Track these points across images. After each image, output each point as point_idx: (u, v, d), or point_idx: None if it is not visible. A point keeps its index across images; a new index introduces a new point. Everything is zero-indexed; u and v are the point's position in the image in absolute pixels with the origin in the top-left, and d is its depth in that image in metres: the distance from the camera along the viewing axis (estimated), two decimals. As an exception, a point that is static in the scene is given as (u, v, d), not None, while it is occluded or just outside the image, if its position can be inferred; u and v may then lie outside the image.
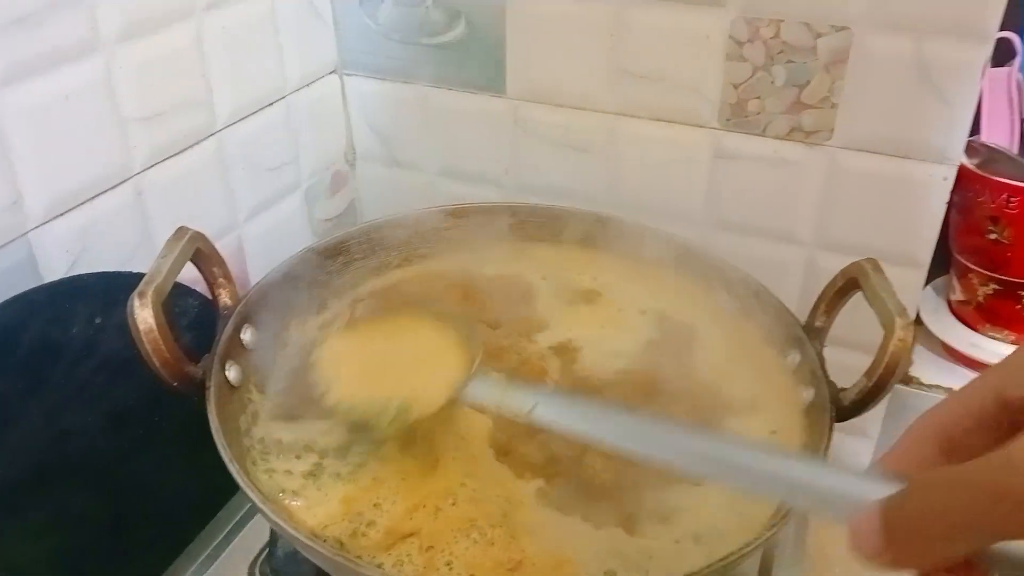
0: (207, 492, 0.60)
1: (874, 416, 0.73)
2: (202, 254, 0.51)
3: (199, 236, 0.50)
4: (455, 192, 0.78)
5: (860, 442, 0.75)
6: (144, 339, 0.44)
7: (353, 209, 0.84)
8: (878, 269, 0.50)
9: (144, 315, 0.44)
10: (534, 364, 0.55)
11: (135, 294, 0.44)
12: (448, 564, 0.42)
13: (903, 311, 0.46)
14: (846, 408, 0.47)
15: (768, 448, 0.39)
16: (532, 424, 0.41)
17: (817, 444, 0.46)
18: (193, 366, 0.47)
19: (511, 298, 0.60)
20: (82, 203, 0.56)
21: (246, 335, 0.52)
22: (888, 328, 0.46)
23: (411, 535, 0.44)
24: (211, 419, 0.44)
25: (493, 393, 0.43)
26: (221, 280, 0.52)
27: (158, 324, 0.44)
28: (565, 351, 0.56)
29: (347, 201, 0.83)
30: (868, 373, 0.46)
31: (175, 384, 0.46)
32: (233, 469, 0.42)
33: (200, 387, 0.47)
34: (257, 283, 0.55)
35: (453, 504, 0.45)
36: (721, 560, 0.39)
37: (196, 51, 0.62)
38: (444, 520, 0.44)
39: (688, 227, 0.70)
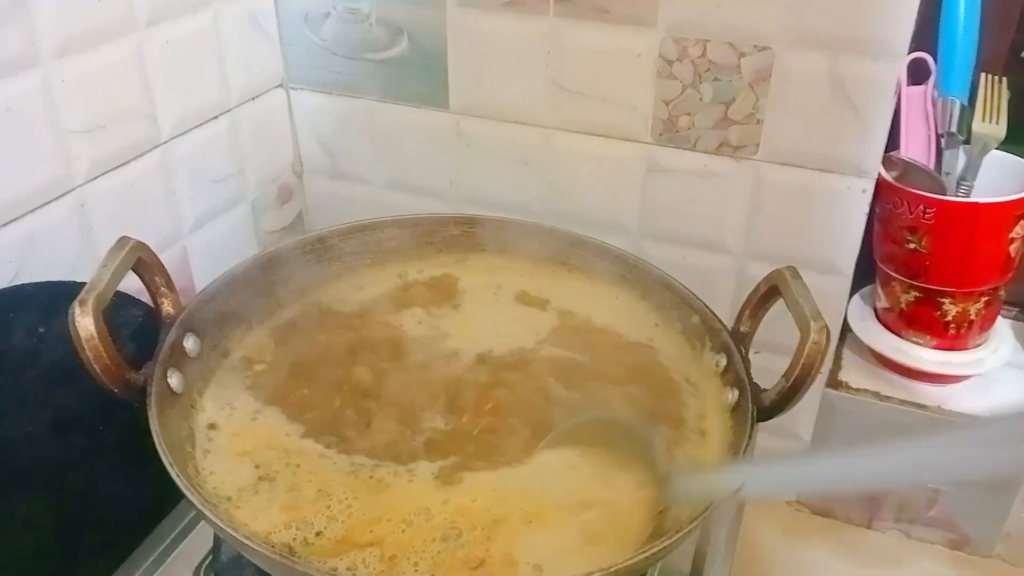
0: (152, 500, 0.60)
1: (806, 419, 0.76)
2: (144, 263, 0.52)
3: (141, 246, 0.51)
4: (402, 204, 0.80)
5: (794, 444, 0.78)
6: (85, 346, 0.45)
7: (301, 220, 0.85)
8: (796, 276, 0.52)
9: (85, 323, 0.45)
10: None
11: (76, 302, 0.45)
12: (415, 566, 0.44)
13: (818, 315, 0.49)
14: (767, 408, 0.50)
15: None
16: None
17: (739, 443, 0.49)
18: (135, 373, 0.48)
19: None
20: (24, 214, 0.57)
21: (188, 343, 0.53)
22: (804, 331, 0.48)
23: (371, 544, 0.45)
24: (152, 424, 0.45)
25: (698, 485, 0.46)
26: (163, 289, 0.53)
27: (99, 332, 0.45)
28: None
29: (295, 212, 0.84)
30: (786, 374, 0.49)
31: (116, 391, 0.46)
32: (173, 473, 0.43)
33: (142, 394, 0.48)
34: (199, 292, 0.56)
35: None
36: (644, 552, 0.41)
37: (138, 65, 0.63)
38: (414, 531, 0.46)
39: (623, 237, 0.73)
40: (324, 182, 0.83)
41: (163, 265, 0.53)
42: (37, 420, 0.56)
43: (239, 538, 0.41)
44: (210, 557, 0.54)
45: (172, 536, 0.57)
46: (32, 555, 0.55)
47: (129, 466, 0.57)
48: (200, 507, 0.41)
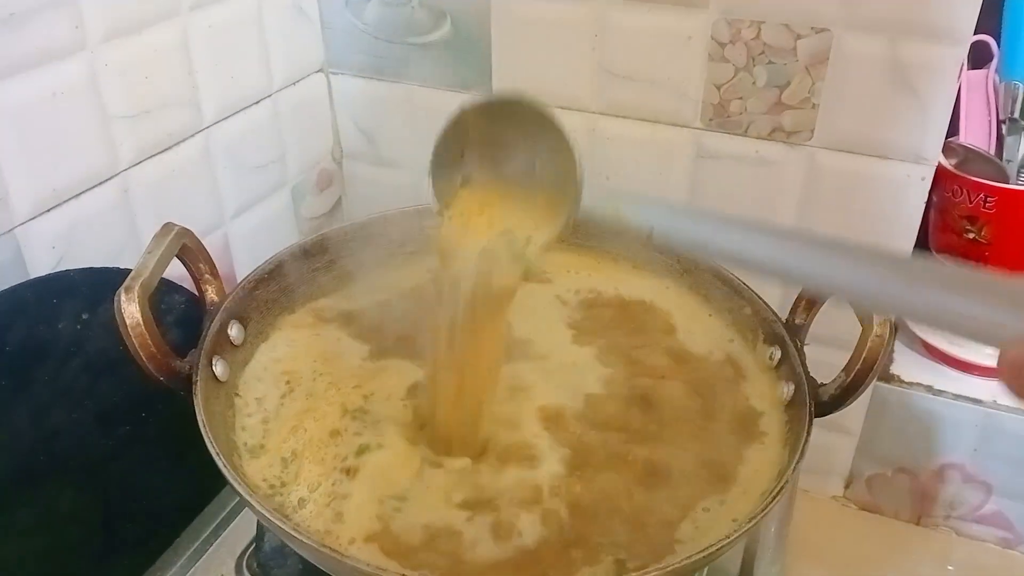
0: (195, 490, 0.60)
1: (856, 413, 0.74)
2: (188, 250, 0.51)
3: (185, 232, 0.51)
4: (441, 191, 0.79)
5: (843, 439, 0.76)
6: (131, 334, 0.45)
7: (340, 207, 0.84)
8: (857, 267, 0.50)
9: (131, 310, 0.44)
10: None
11: (122, 289, 0.45)
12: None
13: (880, 308, 0.47)
14: (825, 403, 0.48)
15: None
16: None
17: (797, 439, 0.47)
18: (180, 361, 0.48)
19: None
20: (68, 200, 0.56)
21: (232, 331, 0.53)
22: (866, 324, 0.47)
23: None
24: (198, 413, 0.45)
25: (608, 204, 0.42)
26: (207, 276, 0.53)
27: (144, 319, 0.45)
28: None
29: (334, 199, 0.83)
30: (847, 368, 0.47)
31: (161, 379, 0.46)
32: (220, 463, 0.42)
33: (186, 382, 0.47)
34: (243, 279, 0.56)
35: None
36: (702, 552, 0.40)
37: (182, 50, 0.62)
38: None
39: (671, 226, 0.71)
40: (364, 168, 0.82)
41: (207, 252, 0.52)
42: (81, 409, 0.56)
43: (285, 528, 0.40)
44: (252, 546, 0.54)
45: (214, 525, 0.56)
46: (75, 546, 0.55)
47: (172, 456, 0.57)
48: (247, 497, 0.40)
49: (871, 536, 0.76)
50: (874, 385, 0.72)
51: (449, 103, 0.74)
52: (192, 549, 0.55)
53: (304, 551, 0.41)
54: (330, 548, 0.39)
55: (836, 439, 0.76)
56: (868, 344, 0.46)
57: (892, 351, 0.75)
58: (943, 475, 0.73)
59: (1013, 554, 0.75)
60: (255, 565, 0.53)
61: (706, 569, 0.54)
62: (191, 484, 0.57)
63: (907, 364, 0.73)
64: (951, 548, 0.76)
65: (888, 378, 0.72)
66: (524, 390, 0.52)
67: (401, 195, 0.81)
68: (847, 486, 0.78)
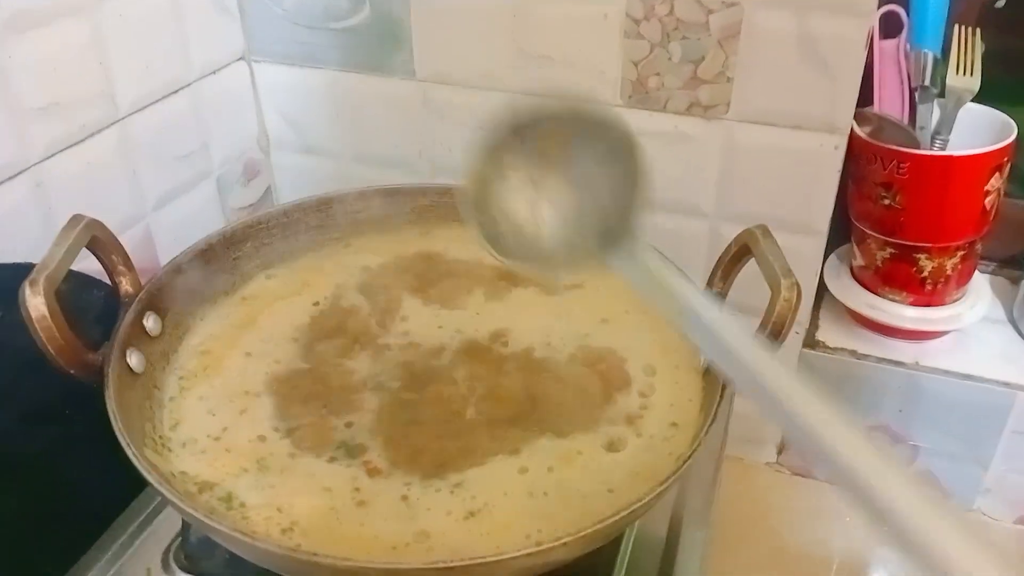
0: (127, 487, 0.59)
1: (784, 381, 0.75)
2: (99, 242, 0.50)
3: (95, 224, 0.50)
4: (370, 177, 0.79)
5: (773, 407, 0.77)
6: (38, 327, 0.44)
7: (269, 197, 0.83)
8: (767, 235, 0.52)
9: (36, 303, 0.44)
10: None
11: (26, 282, 0.44)
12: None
13: (788, 272, 0.48)
14: (739, 368, 0.49)
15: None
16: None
17: (711, 404, 0.48)
18: (92, 354, 0.47)
19: (417, 275, 0.61)
20: (-23, 195, 0.55)
21: (148, 322, 0.52)
22: (774, 289, 0.48)
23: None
24: (108, 404, 0.44)
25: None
26: (121, 268, 0.52)
27: (51, 311, 0.44)
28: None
29: (262, 189, 0.83)
30: (757, 333, 0.48)
31: (72, 372, 0.45)
32: (130, 453, 0.42)
33: (100, 375, 0.46)
34: (159, 270, 0.55)
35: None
36: (614, 517, 0.40)
37: (94, 40, 0.61)
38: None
39: (597, 203, 0.72)
40: (291, 157, 0.81)
41: (119, 243, 0.52)
42: (4, 409, 0.55)
43: (195, 514, 0.40)
44: (179, 539, 0.53)
45: (140, 519, 0.55)
46: (4, 548, 0.54)
47: (102, 453, 0.56)
48: (157, 485, 0.40)
49: (804, 500, 0.78)
50: (800, 352, 0.74)
51: (373, 88, 0.75)
52: (118, 544, 0.54)
53: (218, 537, 0.41)
54: (241, 532, 0.39)
55: (767, 407, 0.77)
56: (777, 308, 0.47)
57: (818, 318, 0.76)
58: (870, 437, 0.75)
59: (941, 511, 0.77)
60: (182, 557, 0.53)
61: (632, 536, 0.55)
62: (122, 480, 0.56)
63: (832, 331, 0.75)
64: (883, 509, 0.77)
65: (814, 344, 0.74)
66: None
67: (330, 182, 0.81)
68: (780, 452, 0.80)
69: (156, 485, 0.40)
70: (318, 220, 0.64)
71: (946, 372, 0.71)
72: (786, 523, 0.76)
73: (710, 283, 0.55)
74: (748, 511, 0.76)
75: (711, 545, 0.64)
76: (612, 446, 0.49)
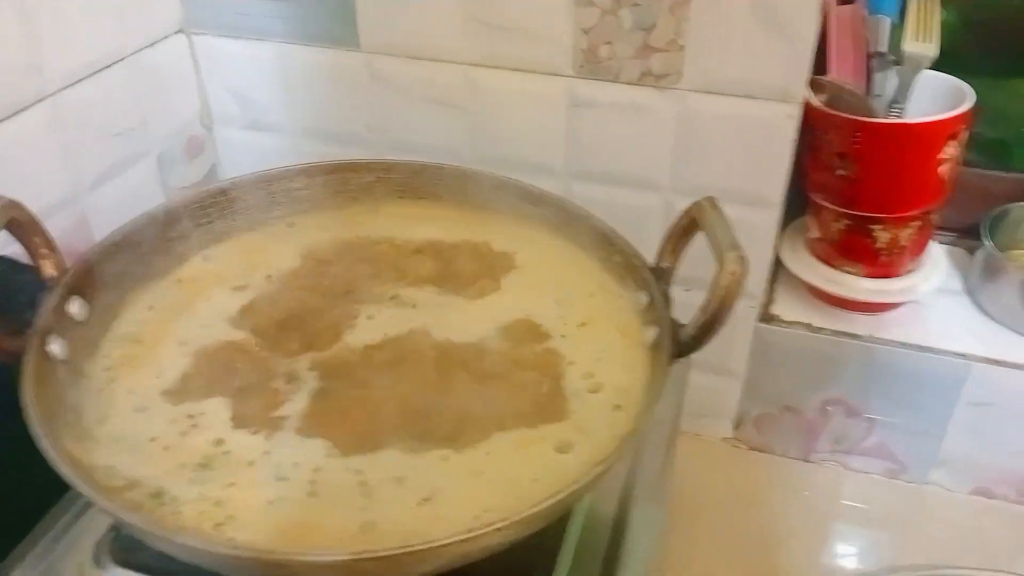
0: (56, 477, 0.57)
1: (739, 355, 0.75)
2: (18, 224, 0.48)
3: (13, 204, 0.47)
4: (320, 152, 0.76)
5: (729, 381, 0.77)
6: (-49, 314, 0.42)
7: (214, 175, 0.81)
8: (715, 207, 0.50)
9: (-54, 289, 0.41)
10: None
11: (-64, 267, 0.42)
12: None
13: (735, 245, 0.46)
14: (685, 344, 0.48)
15: None
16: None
17: (658, 380, 0.47)
18: (11, 340, 0.45)
19: (364, 258, 0.59)
20: None
21: (73, 307, 0.50)
22: (720, 262, 0.46)
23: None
24: (25, 393, 0.42)
25: None
26: (43, 250, 0.49)
27: (-37, 298, 0.42)
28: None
29: (207, 167, 0.80)
30: (703, 308, 0.47)
31: (-7, 360, 0.43)
32: (42, 444, 0.40)
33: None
34: (86, 251, 0.53)
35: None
36: (552, 499, 0.39)
37: (17, 10, 0.58)
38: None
39: (550, 179, 0.70)
40: (237, 133, 0.79)
41: (40, 224, 0.49)
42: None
43: (109, 507, 0.38)
44: (112, 533, 0.52)
45: (72, 513, 0.54)
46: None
47: (31, 443, 0.54)
48: (71, 479, 0.38)
49: (762, 475, 0.78)
50: (756, 327, 0.73)
51: (319, 59, 0.73)
52: (49, 537, 0.52)
53: (135, 532, 0.39)
54: (156, 526, 0.37)
55: (723, 382, 0.76)
56: (722, 282, 0.46)
57: (774, 292, 0.75)
58: (827, 411, 0.75)
59: (898, 483, 0.77)
60: (116, 550, 0.51)
61: (582, 514, 0.54)
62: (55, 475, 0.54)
63: (787, 304, 0.74)
64: (840, 482, 0.78)
65: (769, 319, 0.73)
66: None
67: (278, 159, 0.79)
68: (737, 427, 0.79)
69: (68, 477, 0.39)
70: (258, 199, 0.61)
71: (902, 344, 0.70)
72: (743, 498, 0.76)
73: (660, 258, 0.54)
74: (705, 487, 0.76)
75: (666, 522, 0.63)
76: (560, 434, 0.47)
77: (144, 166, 0.72)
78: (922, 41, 0.67)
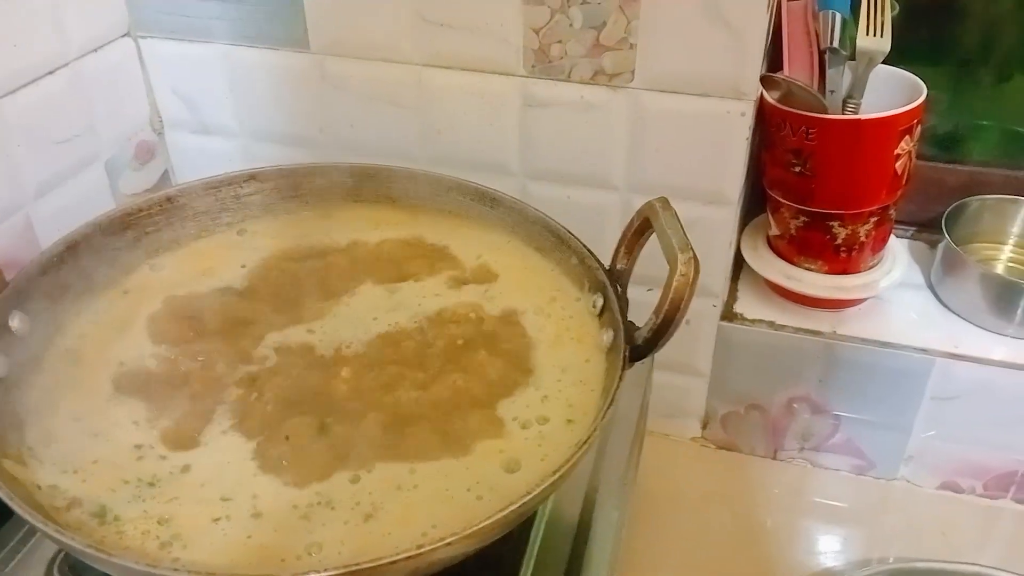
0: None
1: (704, 354, 0.74)
2: (-49, 236, 0.46)
3: (-54, 217, 0.46)
4: (272, 156, 0.75)
5: (695, 380, 0.76)
6: None
7: (167, 181, 0.79)
8: (667, 207, 0.50)
9: None
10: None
11: None
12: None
13: (686, 246, 0.46)
14: (640, 347, 0.47)
15: None
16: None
17: (610, 384, 0.46)
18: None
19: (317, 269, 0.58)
20: None
21: (14, 322, 0.48)
22: (672, 264, 0.46)
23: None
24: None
25: None
26: (-21, 264, 0.48)
27: None
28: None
29: (159, 173, 0.78)
30: (656, 310, 0.46)
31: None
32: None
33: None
34: (27, 265, 0.51)
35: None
36: (508, 508, 0.38)
37: (-52, 16, 0.57)
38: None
39: (505, 179, 0.69)
40: (188, 137, 0.77)
41: (-26, 237, 0.48)
42: None
43: (44, 528, 0.37)
44: (62, 552, 0.50)
45: (23, 532, 0.52)
46: None
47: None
48: (5, 498, 0.37)
49: (730, 474, 0.77)
50: (719, 325, 0.72)
51: (267, 61, 0.71)
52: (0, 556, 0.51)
53: (73, 552, 0.38)
54: (96, 547, 0.36)
55: (688, 381, 0.76)
56: (674, 284, 0.45)
57: (736, 290, 0.75)
58: (792, 408, 0.74)
59: (866, 479, 0.77)
60: (66, 569, 0.50)
61: (544, 520, 0.54)
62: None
63: (749, 302, 0.74)
64: (808, 479, 0.77)
65: (732, 317, 0.72)
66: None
67: (230, 163, 0.77)
68: (704, 427, 0.79)
69: (8, 500, 0.37)
70: (206, 205, 0.60)
71: (864, 340, 0.70)
72: (712, 497, 0.75)
73: (615, 260, 0.53)
74: (673, 487, 0.75)
75: (632, 523, 0.63)
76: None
77: (92, 173, 0.71)
78: (875, 36, 0.66)
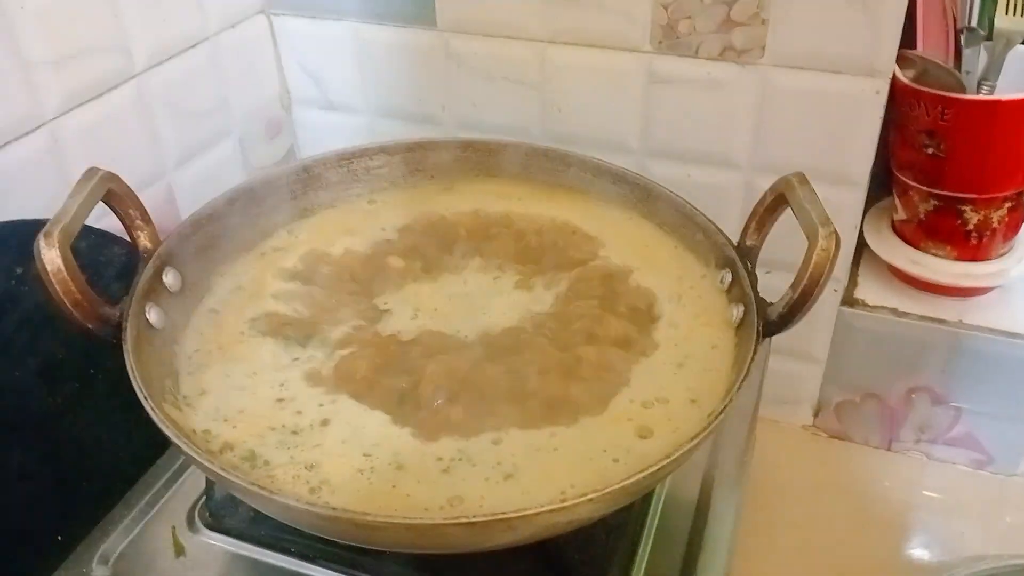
0: (148, 444, 0.59)
1: (821, 340, 0.73)
2: (116, 195, 0.49)
3: (111, 176, 0.49)
4: (395, 132, 0.77)
5: (810, 367, 0.75)
6: (53, 280, 0.43)
7: (293, 155, 0.82)
8: (804, 182, 0.49)
9: (51, 255, 0.43)
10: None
11: (40, 235, 0.43)
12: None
13: (827, 220, 0.45)
14: (774, 322, 0.47)
15: None
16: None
17: (743, 359, 0.46)
18: (109, 308, 0.46)
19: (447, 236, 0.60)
20: (-8, 150, 0.54)
21: (168, 277, 0.51)
22: (812, 238, 0.45)
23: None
24: (127, 358, 0.43)
25: None
26: (139, 222, 0.51)
27: (67, 264, 0.43)
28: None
29: (285, 147, 0.81)
30: (793, 285, 0.46)
31: (90, 327, 0.44)
32: (147, 406, 0.41)
33: (118, 330, 0.46)
34: (179, 224, 0.54)
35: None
36: (639, 473, 0.39)
37: (106, -5, 0.60)
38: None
39: (626, 157, 0.70)
40: (314, 113, 0.80)
41: (136, 197, 0.50)
42: (23, 366, 0.54)
43: (212, 467, 0.39)
44: (203, 498, 0.53)
45: (166, 477, 0.55)
46: (28, 504, 0.54)
47: (122, 410, 0.55)
48: (174, 438, 0.39)
49: (841, 464, 0.76)
50: (839, 310, 0.71)
51: (395, 38, 0.73)
52: (144, 502, 0.54)
53: (236, 491, 0.40)
54: (259, 486, 0.38)
55: (803, 367, 0.75)
56: (814, 258, 0.45)
57: (857, 275, 0.74)
58: (911, 399, 0.73)
59: (984, 474, 0.74)
60: (207, 515, 0.52)
61: (663, 496, 0.54)
62: (145, 437, 0.56)
63: (871, 288, 0.72)
64: (923, 472, 0.75)
65: (852, 303, 0.71)
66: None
67: (353, 140, 0.79)
68: (816, 414, 0.77)
69: (173, 438, 0.40)
70: (339, 176, 0.62)
71: (991, 330, 0.68)
72: (821, 487, 0.74)
73: (743, 235, 0.53)
74: (783, 475, 0.74)
75: (744, 507, 0.62)
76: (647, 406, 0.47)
77: (226, 145, 0.74)
78: (1014, 15, 0.64)
